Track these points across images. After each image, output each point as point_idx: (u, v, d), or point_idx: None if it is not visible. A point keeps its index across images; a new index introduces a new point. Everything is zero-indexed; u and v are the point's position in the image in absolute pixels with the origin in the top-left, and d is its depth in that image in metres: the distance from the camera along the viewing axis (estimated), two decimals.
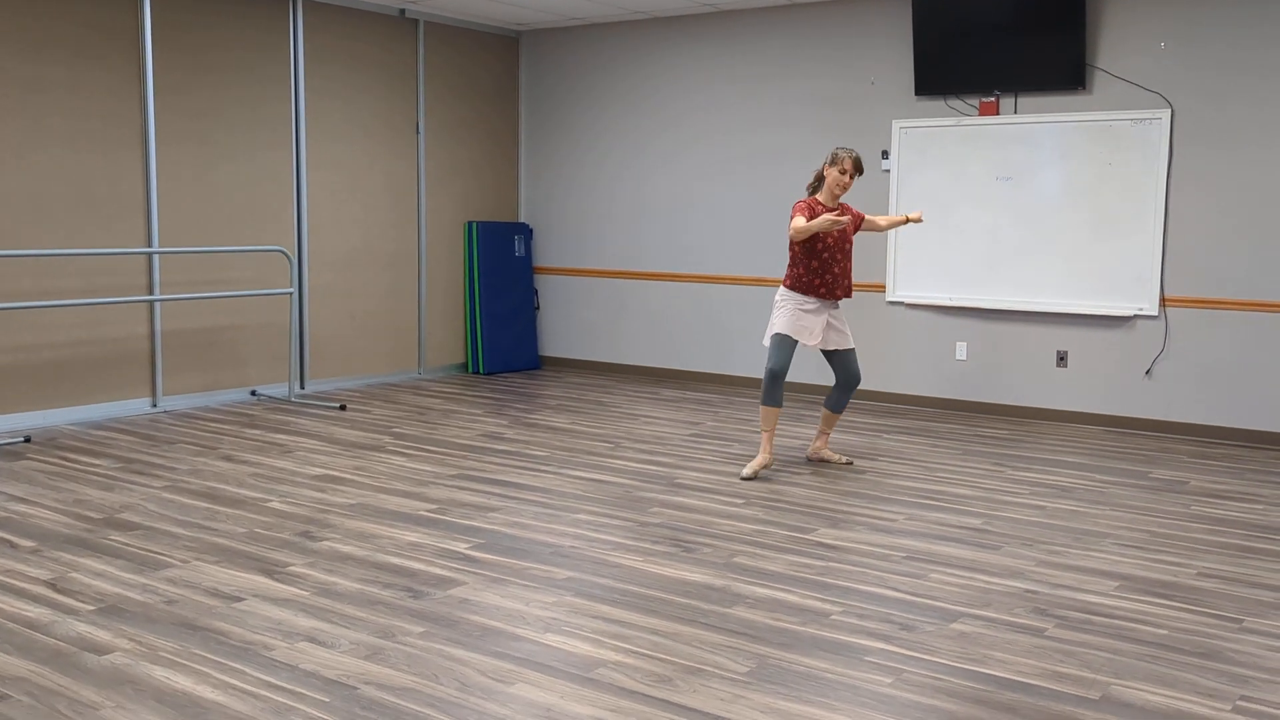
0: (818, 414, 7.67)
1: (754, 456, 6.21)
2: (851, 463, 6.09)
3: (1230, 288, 6.95)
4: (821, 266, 5.77)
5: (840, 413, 6.06)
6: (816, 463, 6.10)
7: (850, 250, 5.85)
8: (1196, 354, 7.07)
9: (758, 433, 6.95)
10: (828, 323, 5.86)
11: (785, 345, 5.79)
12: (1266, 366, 6.86)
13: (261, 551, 4.41)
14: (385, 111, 8.70)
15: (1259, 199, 6.82)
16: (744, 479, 5.71)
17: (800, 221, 5.61)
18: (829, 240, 5.73)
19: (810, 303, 5.81)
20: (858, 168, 5.73)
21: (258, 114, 7.86)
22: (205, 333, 7.67)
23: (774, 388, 5.77)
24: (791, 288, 5.83)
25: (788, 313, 5.81)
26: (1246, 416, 6.95)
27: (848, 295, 5.87)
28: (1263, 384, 6.88)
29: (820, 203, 5.79)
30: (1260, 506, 5.38)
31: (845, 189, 5.75)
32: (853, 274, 6.14)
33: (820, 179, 5.83)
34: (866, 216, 6.08)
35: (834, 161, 5.74)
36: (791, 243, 5.77)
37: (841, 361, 5.95)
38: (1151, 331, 7.20)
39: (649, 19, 8.96)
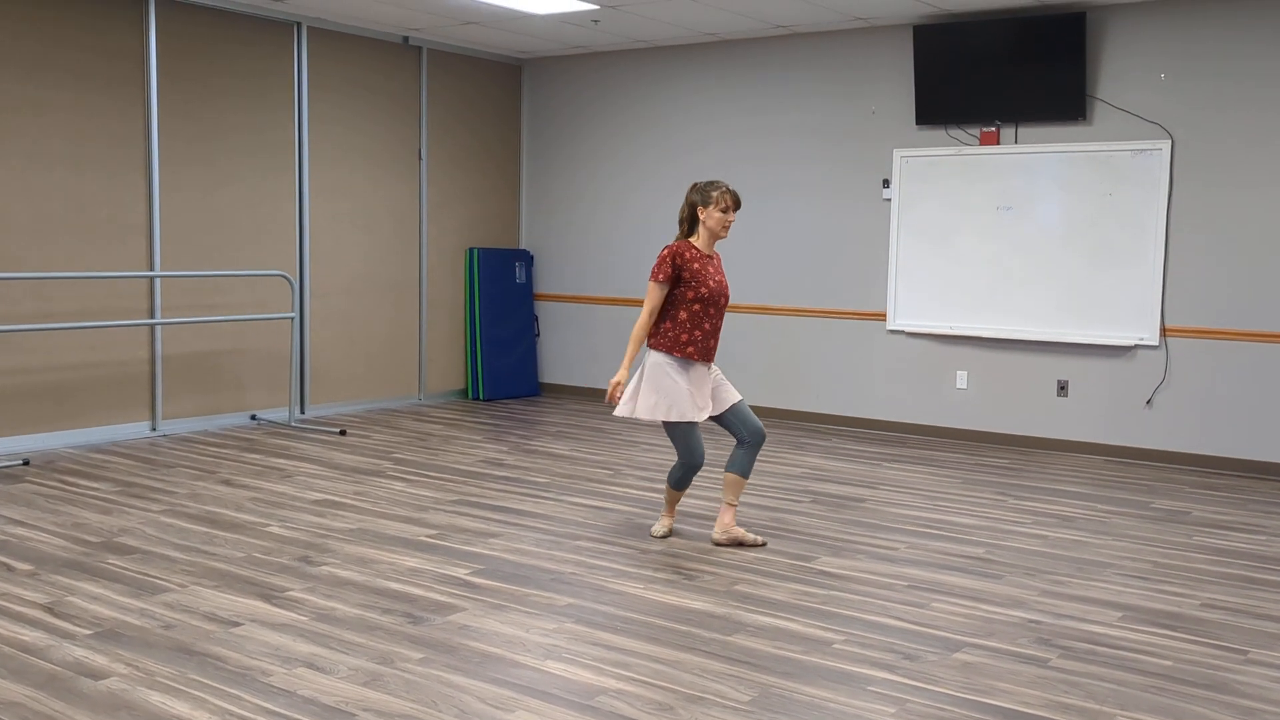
0: (830, 442, 7.66)
1: (718, 511, 5.37)
2: (765, 543, 5.02)
3: (1231, 318, 6.94)
4: (692, 320, 4.85)
5: (747, 477, 4.99)
6: (726, 545, 4.96)
7: (725, 307, 4.99)
8: (1198, 384, 7.07)
9: (757, 461, 6.92)
10: (710, 385, 4.93)
11: (693, 431, 4.93)
12: (1268, 397, 6.85)
13: (260, 576, 4.38)
14: (388, 137, 8.72)
15: (1259, 229, 6.83)
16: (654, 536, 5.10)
17: (646, 305, 4.85)
18: (708, 287, 4.85)
19: (682, 365, 4.85)
20: (737, 203, 4.90)
21: (261, 138, 7.88)
22: (206, 356, 7.66)
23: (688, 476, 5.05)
24: (658, 346, 4.88)
25: (668, 387, 4.81)
26: (1248, 447, 6.93)
27: (709, 359, 4.92)
28: (1264, 414, 6.87)
29: (695, 247, 4.87)
30: (1263, 537, 5.36)
31: (727, 229, 4.92)
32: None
33: (692, 214, 4.91)
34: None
35: (709, 201, 4.84)
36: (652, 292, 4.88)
37: (740, 417, 4.94)
38: (1152, 361, 7.20)
39: (651, 48, 9.00)
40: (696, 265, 4.85)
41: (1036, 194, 7.46)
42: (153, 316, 7.35)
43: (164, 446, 7.01)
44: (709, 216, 4.87)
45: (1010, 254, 7.58)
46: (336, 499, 5.70)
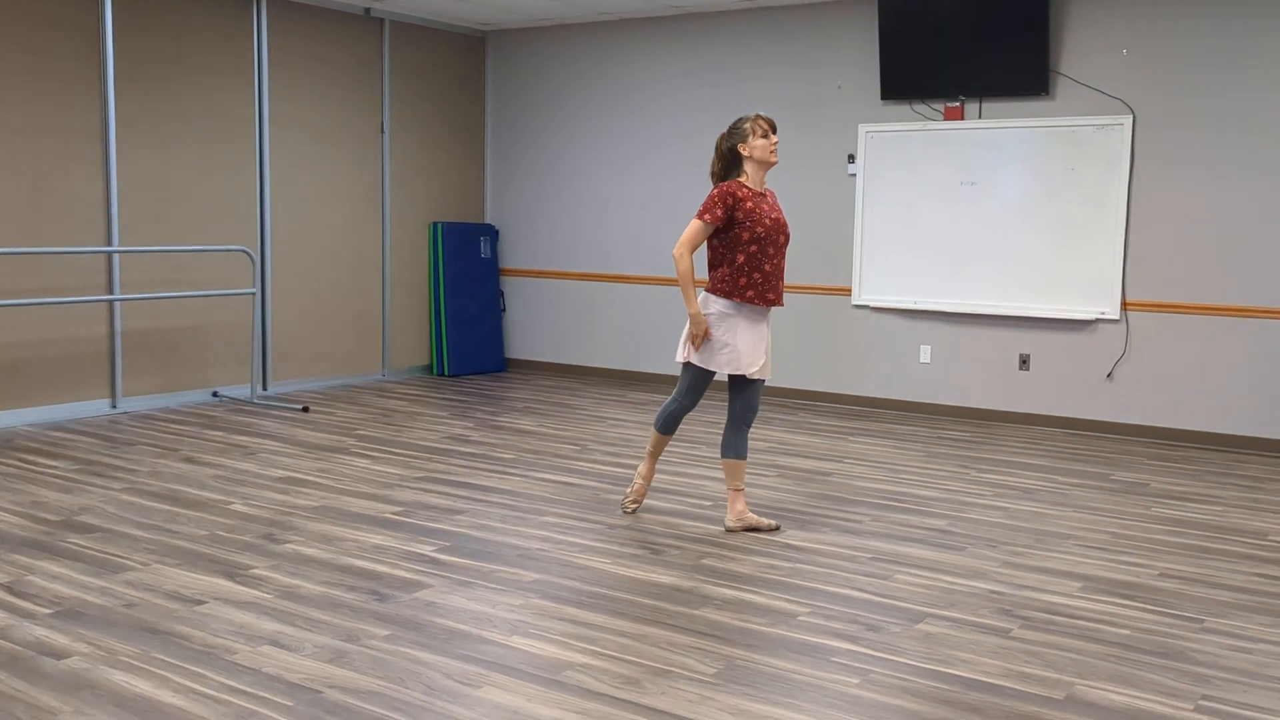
0: (797, 417, 7.69)
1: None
2: (779, 527, 4.90)
3: (1191, 292, 7.03)
4: (749, 263, 4.65)
5: (746, 457, 4.88)
6: (740, 531, 4.83)
7: (786, 245, 4.77)
8: (1157, 357, 7.15)
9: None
10: (765, 344, 4.77)
11: (708, 380, 4.80)
12: (1226, 370, 6.95)
13: (223, 554, 4.36)
14: (350, 111, 8.64)
15: (1219, 204, 6.91)
16: (625, 511, 5.04)
17: (685, 247, 4.63)
18: (764, 225, 4.65)
19: (739, 315, 4.70)
20: (773, 125, 4.70)
21: (221, 112, 7.78)
22: (166, 333, 7.58)
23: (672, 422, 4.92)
24: (715, 290, 4.72)
25: (716, 336, 4.69)
26: (1206, 419, 7.03)
27: (777, 303, 4.78)
28: (1222, 387, 6.96)
29: (745, 185, 4.67)
30: (1219, 508, 5.45)
31: (775, 152, 4.70)
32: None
33: (732, 158, 4.72)
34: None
35: (746, 133, 4.66)
36: (711, 237, 4.71)
37: (754, 389, 4.79)
38: (1113, 335, 7.27)
39: (616, 20, 8.95)
40: (750, 204, 4.61)
41: (1000, 169, 7.50)
42: (111, 292, 7.26)
43: (124, 424, 6.94)
44: (753, 148, 4.64)
45: (973, 229, 7.62)
46: (300, 476, 5.67)
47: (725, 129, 4.75)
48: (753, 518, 4.86)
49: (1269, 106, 6.72)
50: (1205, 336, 6.99)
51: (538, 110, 9.44)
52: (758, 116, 4.66)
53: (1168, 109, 7.00)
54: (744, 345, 4.68)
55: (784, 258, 4.74)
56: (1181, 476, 6.13)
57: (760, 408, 4.86)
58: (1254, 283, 6.83)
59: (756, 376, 4.73)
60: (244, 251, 7.63)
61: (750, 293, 4.64)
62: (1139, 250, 7.15)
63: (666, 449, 6.03)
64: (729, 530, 4.84)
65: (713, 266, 4.70)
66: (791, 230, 8.26)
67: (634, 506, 5.09)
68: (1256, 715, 3.09)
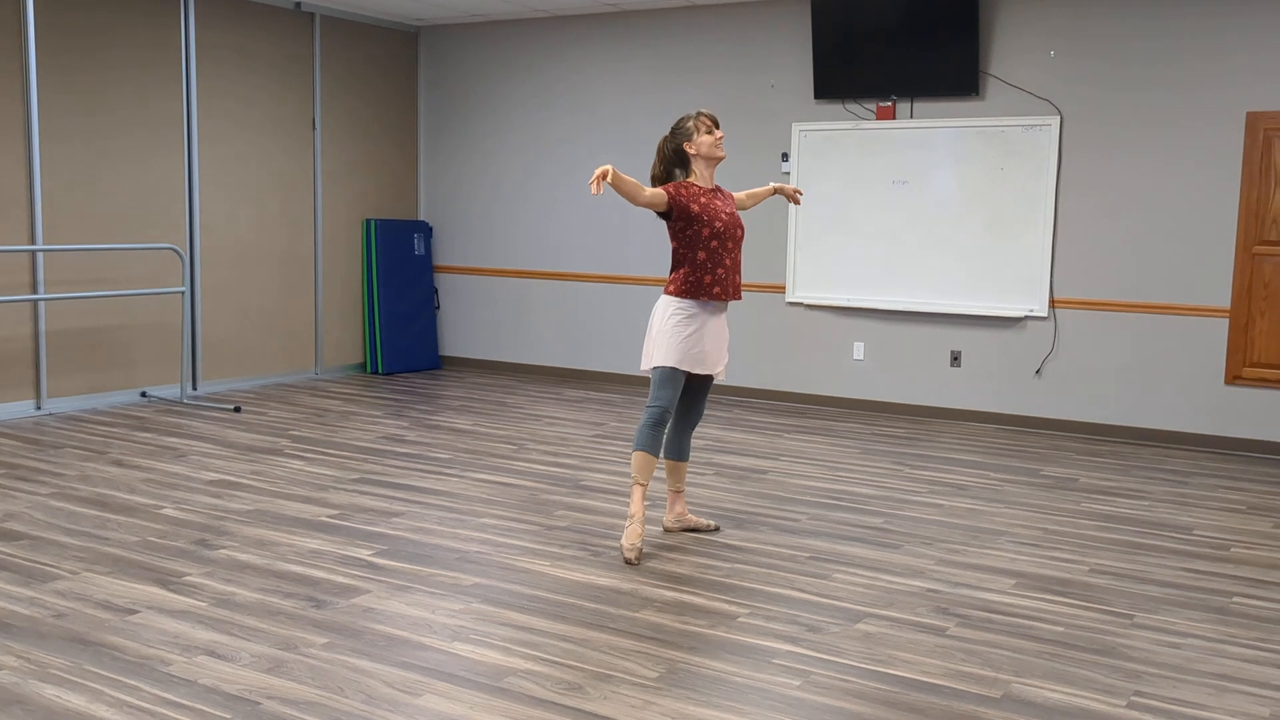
0: (732, 414, 7.72)
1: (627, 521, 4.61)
2: (718, 528, 4.89)
3: (1116, 290, 7.17)
4: (711, 259, 4.55)
5: (687, 460, 4.86)
6: (679, 532, 4.81)
7: (742, 240, 4.69)
8: (1084, 354, 7.29)
9: None
10: (725, 340, 4.71)
11: (682, 380, 4.62)
12: (1151, 366, 7.10)
13: (156, 561, 4.27)
14: (280, 106, 8.51)
15: (1143, 204, 7.06)
16: (629, 562, 4.42)
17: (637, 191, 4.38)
18: (721, 220, 4.56)
19: (704, 313, 4.59)
20: (716, 121, 4.60)
21: (148, 107, 7.62)
22: (92, 333, 7.41)
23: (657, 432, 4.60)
24: (678, 293, 4.57)
25: (680, 336, 4.54)
26: (1132, 415, 7.18)
27: (737, 296, 4.68)
28: (1148, 383, 7.12)
29: (696, 184, 4.58)
30: (1146, 503, 5.57)
31: (721, 145, 4.59)
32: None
33: (677, 159, 4.60)
34: (736, 195, 4.93)
35: (691, 131, 4.55)
36: (671, 238, 4.57)
37: (703, 390, 4.75)
38: (1041, 332, 7.40)
39: (550, 17, 8.91)
40: (704, 199, 4.53)
41: (931, 168, 7.59)
42: (35, 292, 7.08)
43: (50, 426, 6.78)
44: (699, 145, 4.53)
45: (905, 227, 7.71)
46: (233, 479, 5.58)
47: (667, 132, 4.67)
48: (692, 518, 4.87)
49: (1193, 108, 6.87)
50: (1131, 333, 7.15)
51: (472, 107, 9.38)
52: (700, 113, 4.57)
53: (1094, 110, 7.13)
54: (710, 345, 4.59)
55: (740, 253, 4.68)
56: (1110, 472, 6.25)
57: (698, 420, 4.83)
58: (1178, 281, 6.99)
59: (720, 377, 4.72)
60: (173, 249, 7.48)
61: (716, 289, 4.54)
62: (1066, 249, 7.28)
63: (626, 455, 5.99)
64: (667, 530, 4.84)
65: (675, 268, 4.58)
66: None
67: (636, 555, 4.41)
68: (1187, 711, 3.17)
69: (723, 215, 4.57)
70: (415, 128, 9.62)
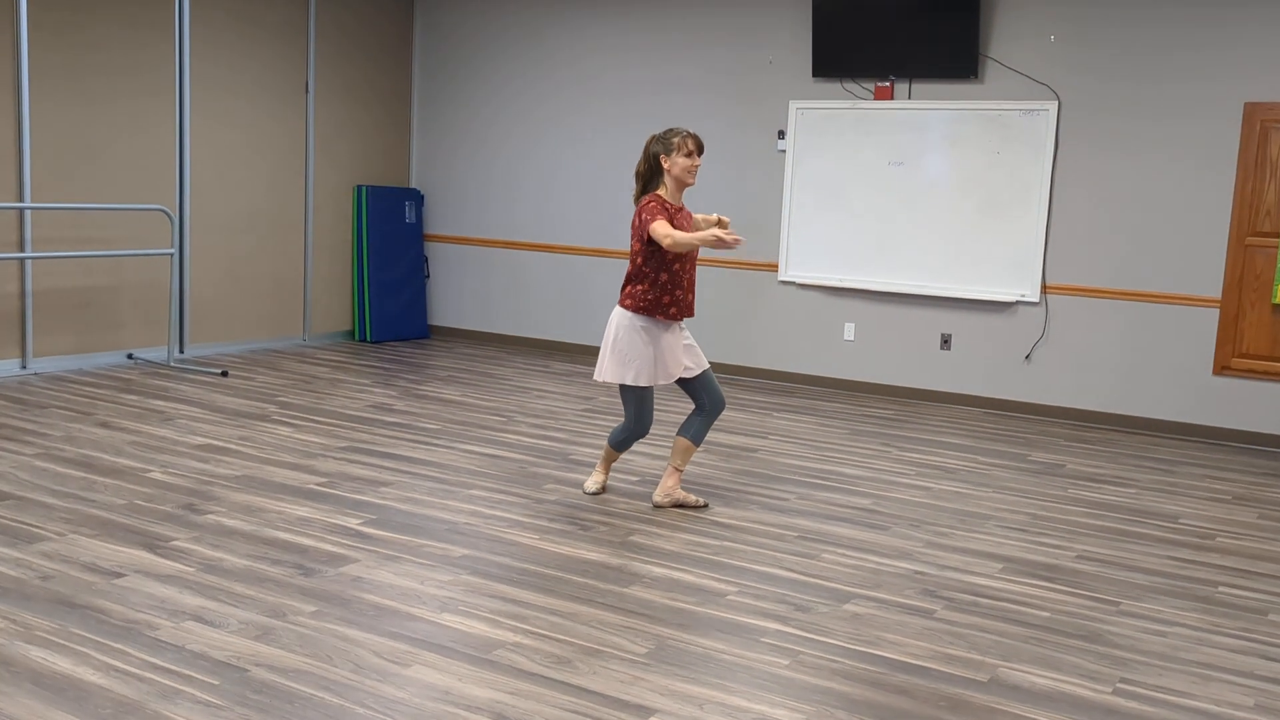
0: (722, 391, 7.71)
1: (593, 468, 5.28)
2: (707, 505, 4.93)
3: (1108, 277, 7.18)
4: (672, 280, 4.64)
5: (700, 445, 4.95)
6: (667, 507, 4.86)
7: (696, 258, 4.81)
8: (1074, 340, 7.30)
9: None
10: (682, 347, 4.77)
11: (649, 396, 4.79)
12: (1141, 353, 7.12)
13: (143, 524, 4.25)
14: (274, 69, 8.43)
15: (1138, 192, 7.06)
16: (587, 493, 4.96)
17: (667, 229, 4.44)
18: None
19: (658, 328, 4.68)
20: (700, 146, 4.65)
21: (139, 67, 7.54)
22: (79, 293, 7.36)
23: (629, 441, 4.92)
24: (636, 309, 4.66)
25: (638, 350, 4.65)
26: (1121, 401, 7.20)
27: (691, 314, 4.80)
28: (1137, 371, 7.14)
29: (666, 200, 4.63)
30: (1133, 490, 5.59)
31: (694, 174, 4.66)
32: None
33: (653, 170, 4.66)
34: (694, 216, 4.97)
35: (673, 147, 4.59)
36: (639, 253, 4.64)
37: (705, 384, 4.82)
38: (1032, 317, 7.41)
39: None
40: (677, 220, 4.63)
41: (927, 150, 7.57)
42: (23, 250, 7.02)
43: (35, 386, 6.73)
44: (674, 164, 4.59)
45: (899, 209, 7.69)
46: (220, 444, 5.56)
47: (658, 132, 4.75)
48: (682, 494, 4.87)
49: (1191, 98, 6.87)
50: (1121, 320, 7.16)
51: (467, 75, 9.30)
52: (686, 135, 4.60)
53: (1092, 97, 7.12)
54: (667, 356, 4.69)
55: (695, 273, 4.78)
56: (1097, 459, 6.28)
57: (721, 406, 4.88)
58: (1170, 270, 7.00)
59: (690, 375, 4.75)
60: (162, 211, 7.42)
61: (674, 309, 4.66)
62: (1060, 235, 7.28)
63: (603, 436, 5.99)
64: (656, 506, 4.84)
65: (631, 282, 4.65)
66: (721, 205, 8.29)
67: (595, 488, 4.99)
68: (1172, 699, 3.19)
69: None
70: (409, 95, 9.55)
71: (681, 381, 4.80)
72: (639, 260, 4.63)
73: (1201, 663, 3.45)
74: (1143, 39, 6.96)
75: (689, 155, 4.60)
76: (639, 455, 5.74)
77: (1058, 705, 3.10)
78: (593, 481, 5.02)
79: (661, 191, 4.65)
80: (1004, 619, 3.74)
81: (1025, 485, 5.58)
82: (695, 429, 4.82)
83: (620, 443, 4.91)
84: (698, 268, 4.82)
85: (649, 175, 4.67)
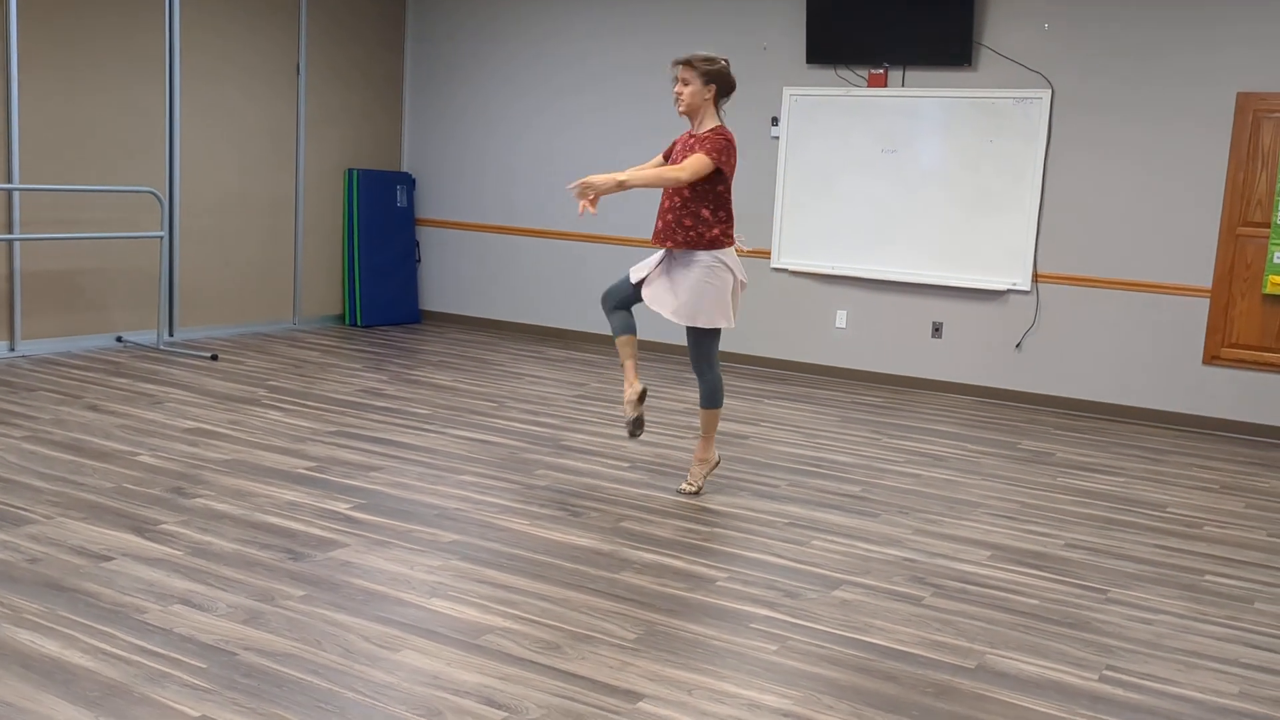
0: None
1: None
2: (700, 491, 4.91)
3: (1099, 266, 7.19)
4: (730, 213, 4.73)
5: (703, 408, 4.85)
6: (699, 486, 4.89)
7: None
8: (1065, 329, 7.32)
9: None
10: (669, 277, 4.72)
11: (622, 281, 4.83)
12: (1131, 343, 7.14)
13: (131, 508, 4.24)
14: (265, 50, 8.38)
15: (1131, 181, 7.06)
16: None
17: (678, 174, 4.49)
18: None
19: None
20: (676, 64, 4.72)
21: (129, 46, 7.49)
22: (68, 275, 7.33)
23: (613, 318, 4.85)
24: (725, 244, 4.68)
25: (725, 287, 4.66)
26: (1111, 391, 7.22)
27: (670, 243, 4.66)
28: (1127, 360, 7.16)
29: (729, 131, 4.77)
30: (1122, 479, 5.61)
31: (679, 102, 4.72)
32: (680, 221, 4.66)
33: (720, 92, 4.74)
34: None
35: (732, 85, 4.76)
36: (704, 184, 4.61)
37: (691, 344, 4.79)
38: (1023, 306, 7.42)
39: None
40: (677, 153, 4.76)
41: (920, 138, 7.57)
42: (11, 231, 6.98)
43: (24, 368, 6.71)
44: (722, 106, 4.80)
45: (892, 197, 7.69)
46: (210, 427, 5.54)
47: (725, 60, 4.70)
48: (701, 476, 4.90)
49: (1184, 88, 6.87)
50: (1111, 309, 7.17)
51: (459, 58, 9.27)
52: (674, 60, 4.73)
53: (1086, 84, 7.11)
54: (657, 280, 4.74)
55: (674, 201, 4.68)
56: (1086, 447, 6.29)
57: (703, 365, 4.78)
58: (1161, 259, 7.02)
59: (682, 321, 4.67)
60: (151, 193, 7.38)
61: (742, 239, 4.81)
62: (1052, 223, 7.28)
63: (597, 408, 6.00)
64: (692, 492, 4.87)
65: (712, 225, 4.61)
66: None
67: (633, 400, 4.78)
68: (1157, 686, 3.20)
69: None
70: (401, 78, 9.51)
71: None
72: (705, 188, 4.63)
73: (1187, 650, 3.47)
74: (1136, 29, 6.96)
75: (674, 81, 4.72)
76: (637, 443, 5.74)
77: (1044, 692, 3.11)
78: (631, 391, 4.77)
79: (720, 114, 4.79)
80: (992, 606, 3.75)
81: (1015, 473, 5.60)
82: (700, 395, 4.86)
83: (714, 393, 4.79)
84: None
85: (724, 97, 4.77)
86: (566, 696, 2.91)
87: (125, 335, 7.68)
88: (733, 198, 4.65)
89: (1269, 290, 6.69)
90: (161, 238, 7.52)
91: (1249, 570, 4.30)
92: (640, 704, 2.89)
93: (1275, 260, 6.66)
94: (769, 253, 8.14)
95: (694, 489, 4.84)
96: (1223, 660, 3.41)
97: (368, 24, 9.13)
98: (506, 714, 2.79)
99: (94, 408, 5.82)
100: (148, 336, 7.76)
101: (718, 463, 4.93)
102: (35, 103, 7.02)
